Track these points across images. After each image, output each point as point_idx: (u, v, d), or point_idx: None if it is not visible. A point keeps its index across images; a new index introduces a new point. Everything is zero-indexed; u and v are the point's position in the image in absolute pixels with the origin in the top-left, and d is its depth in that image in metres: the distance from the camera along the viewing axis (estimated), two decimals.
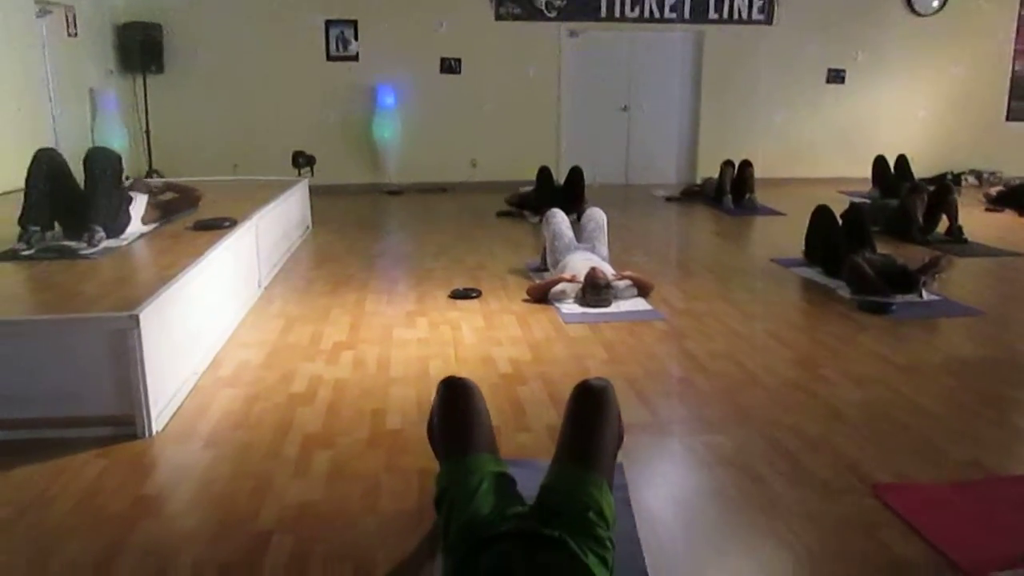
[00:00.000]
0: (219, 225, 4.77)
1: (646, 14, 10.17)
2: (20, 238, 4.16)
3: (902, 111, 10.80)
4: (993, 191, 9.03)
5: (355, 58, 9.80)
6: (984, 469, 2.85)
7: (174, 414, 3.28)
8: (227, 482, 2.75)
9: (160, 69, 9.16)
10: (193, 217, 5.03)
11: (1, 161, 6.04)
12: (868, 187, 9.21)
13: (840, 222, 5.82)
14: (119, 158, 4.61)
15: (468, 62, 9.99)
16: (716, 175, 9.04)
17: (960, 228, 6.89)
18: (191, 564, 2.28)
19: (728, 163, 9.00)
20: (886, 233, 6.75)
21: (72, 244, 4.20)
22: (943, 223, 7.00)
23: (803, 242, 6.11)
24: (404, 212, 8.72)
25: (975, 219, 7.60)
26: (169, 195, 5.29)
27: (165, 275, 3.64)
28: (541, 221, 6.03)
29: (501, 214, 8.18)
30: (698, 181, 9.93)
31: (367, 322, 4.58)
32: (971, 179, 10.56)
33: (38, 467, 2.82)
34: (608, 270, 5.08)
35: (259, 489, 2.69)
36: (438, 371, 3.76)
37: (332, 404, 3.41)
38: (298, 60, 9.66)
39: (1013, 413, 3.41)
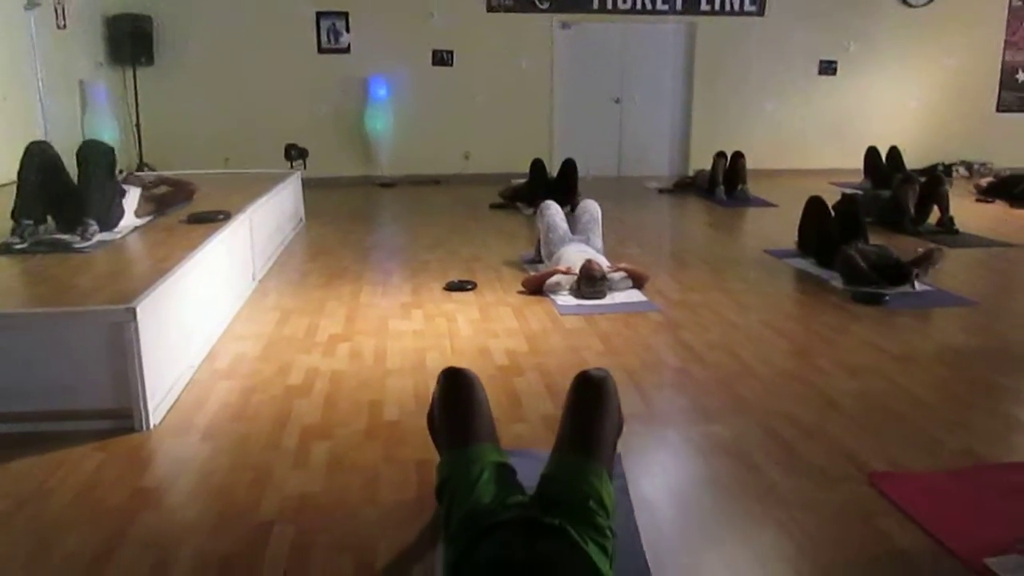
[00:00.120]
0: (213, 218, 4.76)
1: (638, 5, 10.17)
2: (13, 232, 4.13)
3: (893, 102, 10.83)
4: (983, 182, 9.08)
5: (346, 50, 9.77)
6: (977, 457, 2.88)
7: (171, 407, 3.28)
8: (226, 474, 2.76)
9: (150, 61, 9.11)
10: (187, 210, 5.01)
11: None
12: (860, 178, 9.25)
13: (833, 213, 5.85)
14: (112, 151, 4.59)
15: (460, 54, 9.97)
16: (708, 167, 9.06)
17: (951, 219, 6.93)
18: (192, 555, 2.29)
19: (720, 155, 9.02)
20: (878, 224, 6.77)
21: (66, 237, 4.18)
22: (935, 214, 7.05)
23: (796, 233, 6.14)
24: (397, 204, 8.71)
25: (966, 210, 7.64)
26: (163, 189, 5.27)
27: (160, 268, 3.63)
28: (535, 213, 6.04)
29: (494, 206, 8.18)
30: (690, 173, 9.95)
31: (362, 314, 4.58)
32: (962, 170, 10.61)
33: (36, 460, 2.82)
34: (603, 262, 5.10)
35: (258, 481, 2.70)
36: (435, 363, 3.77)
37: (329, 396, 3.42)
38: (289, 52, 9.62)
39: (1005, 402, 3.44)
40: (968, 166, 10.68)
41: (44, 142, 4.51)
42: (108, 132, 7.92)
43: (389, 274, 5.53)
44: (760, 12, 10.40)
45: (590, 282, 4.81)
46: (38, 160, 4.20)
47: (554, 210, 5.67)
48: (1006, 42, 11.02)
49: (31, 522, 2.47)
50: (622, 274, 5.02)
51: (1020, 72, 11.12)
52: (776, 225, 7.14)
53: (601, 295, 4.81)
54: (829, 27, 10.50)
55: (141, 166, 8.73)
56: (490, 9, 9.93)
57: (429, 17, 9.78)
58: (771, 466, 2.79)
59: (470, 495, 2.07)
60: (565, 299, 4.81)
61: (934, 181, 7.25)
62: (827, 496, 2.60)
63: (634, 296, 4.90)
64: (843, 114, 10.72)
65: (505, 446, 2.38)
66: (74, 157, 4.40)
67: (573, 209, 6.12)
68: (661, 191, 9.39)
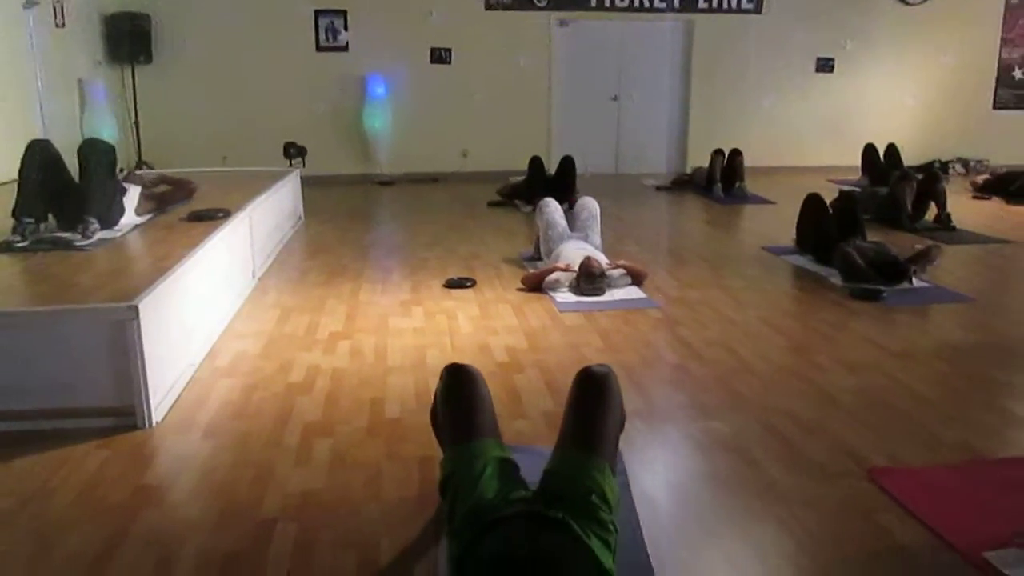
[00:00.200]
0: (213, 216, 4.76)
1: (636, 3, 10.18)
2: (14, 230, 4.13)
3: (890, 99, 10.86)
4: (979, 179, 9.11)
5: (345, 48, 9.77)
6: (974, 451, 2.91)
7: (173, 405, 3.29)
8: (228, 471, 2.77)
9: (149, 59, 9.10)
10: (187, 208, 5.02)
11: None
12: (857, 175, 9.28)
13: (831, 210, 5.87)
14: (113, 149, 4.60)
15: (458, 52, 9.97)
16: (706, 164, 9.08)
17: (948, 216, 6.95)
18: (195, 553, 2.29)
19: (718, 152, 9.04)
20: (876, 221, 6.79)
21: (67, 235, 4.18)
22: (932, 211, 7.07)
23: (794, 230, 6.16)
24: (396, 202, 8.71)
25: (962, 207, 7.66)
26: (163, 187, 5.27)
27: (161, 266, 3.64)
28: (533, 210, 6.05)
29: (493, 204, 8.19)
30: (688, 170, 9.96)
31: (363, 312, 4.59)
32: (958, 167, 10.64)
33: (39, 458, 2.82)
34: (602, 259, 5.11)
35: (261, 478, 2.71)
36: (435, 360, 3.79)
37: (331, 393, 3.43)
38: (287, 50, 9.62)
39: (1001, 397, 3.46)
40: (965, 163, 10.71)
41: (45, 140, 4.52)
42: (107, 130, 7.92)
43: (388, 272, 5.54)
44: (757, 10, 10.41)
45: (589, 279, 4.83)
46: (39, 158, 4.21)
47: (553, 207, 5.68)
48: (1002, 39, 11.05)
49: (34, 520, 2.47)
50: (621, 271, 5.04)
51: (1016, 69, 11.14)
52: (774, 222, 7.16)
53: (600, 292, 4.83)
54: (826, 25, 10.51)
55: (140, 164, 8.73)
56: (488, 7, 9.93)
57: (427, 15, 9.78)
58: (771, 462, 2.81)
59: (473, 490, 2.09)
60: (564, 296, 4.83)
61: (931, 178, 7.27)
62: (827, 492, 2.62)
63: (633, 293, 4.92)
64: (840, 111, 10.74)
65: (506, 442, 2.39)
66: (74, 156, 4.41)
67: (571, 207, 6.13)
68: (659, 188, 9.41)
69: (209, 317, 4.11)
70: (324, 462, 2.82)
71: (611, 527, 2.04)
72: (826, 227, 5.69)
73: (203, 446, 2.97)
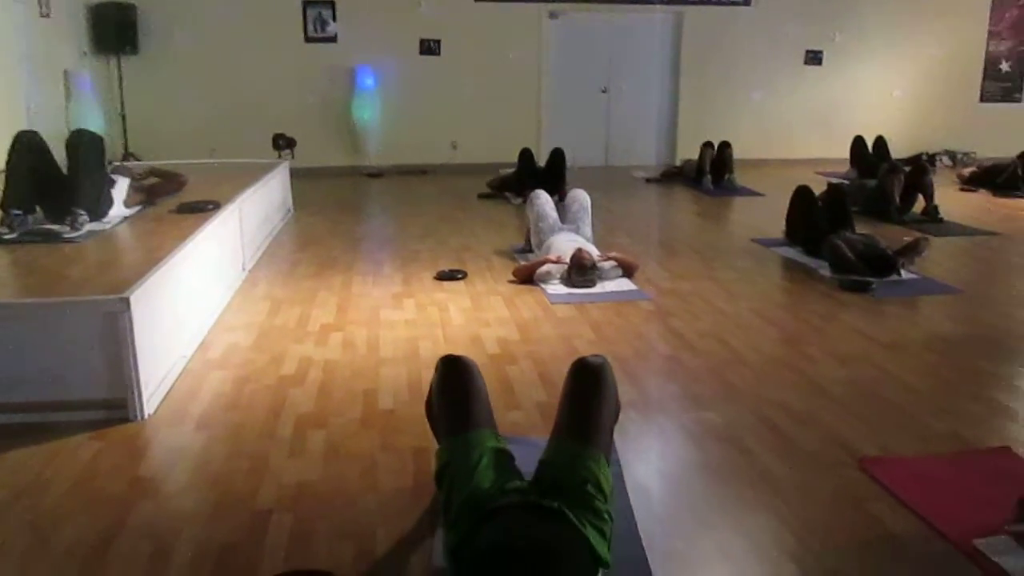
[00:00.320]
0: (203, 208, 4.74)
1: None
2: (2, 222, 4.12)
3: (879, 92, 10.90)
4: (966, 172, 9.17)
5: (333, 39, 9.71)
6: (963, 440, 2.94)
7: (165, 397, 3.28)
8: (223, 463, 2.76)
9: (135, 50, 9.02)
10: (176, 200, 4.99)
11: None
12: (845, 167, 9.32)
13: (820, 203, 5.90)
14: (102, 140, 4.58)
15: (448, 44, 9.93)
16: (695, 156, 9.10)
17: (936, 208, 7.00)
18: (191, 544, 2.29)
19: (707, 144, 9.06)
20: (864, 213, 6.83)
21: (55, 227, 4.16)
22: (920, 203, 7.11)
23: (783, 222, 6.18)
24: (385, 194, 8.69)
25: (950, 199, 7.71)
26: (152, 179, 5.24)
27: (152, 258, 3.62)
28: (524, 203, 6.04)
29: (483, 196, 8.18)
30: (678, 162, 9.98)
31: (354, 304, 4.59)
32: (945, 160, 10.71)
33: (32, 450, 2.81)
34: (593, 251, 5.12)
35: (255, 469, 2.71)
36: (428, 352, 3.79)
37: (323, 385, 3.42)
38: (276, 41, 9.55)
39: (989, 387, 3.50)
40: (952, 156, 10.78)
41: (33, 132, 4.48)
42: (93, 122, 7.83)
43: (379, 264, 5.53)
44: (747, 2, 10.42)
45: (581, 271, 4.84)
46: (27, 150, 4.18)
47: (544, 199, 5.68)
48: (989, 32, 11.12)
49: (29, 512, 2.47)
50: (612, 263, 5.05)
51: (1003, 62, 11.21)
52: (763, 214, 7.19)
53: (591, 284, 4.84)
54: (816, 17, 10.54)
55: (127, 156, 8.66)
56: None
57: (417, 6, 9.73)
58: (763, 452, 2.83)
59: (470, 480, 2.10)
60: (556, 288, 4.83)
61: (919, 171, 7.31)
62: (819, 481, 2.64)
63: (624, 285, 4.93)
64: (829, 104, 10.77)
65: (501, 433, 2.40)
66: (59, 148, 4.38)
67: (562, 199, 6.13)
68: (648, 181, 9.42)
69: (200, 309, 4.09)
70: (318, 453, 2.82)
71: (606, 516, 2.06)
72: (815, 219, 5.72)
73: (196, 438, 2.97)
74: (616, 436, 2.52)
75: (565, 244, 5.15)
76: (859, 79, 10.81)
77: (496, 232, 6.49)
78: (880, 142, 9.22)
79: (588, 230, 5.56)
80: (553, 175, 7.82)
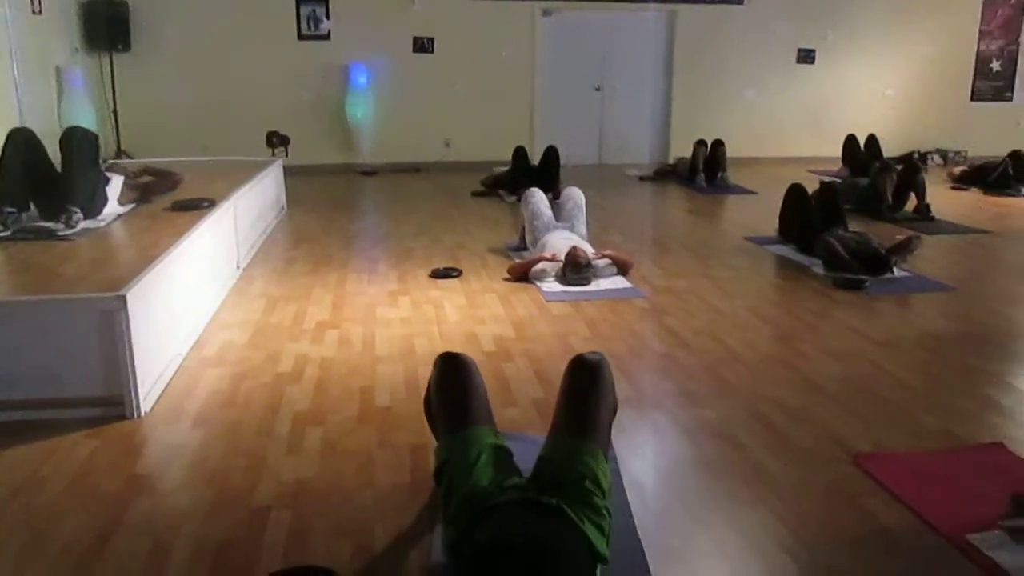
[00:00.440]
0: (198, 206, 4.74)
1: None
2: None
3: (871, 91, 10.95)
4: (957, 170, 9.22)
5: (327, 37, 9.69)
6: (955, 436, 2.97)
7: (161, 394, 3.28)
8: (220, 460, 2.77)
9: (127, 47, 8.99)
10: (170, 198, 4.99)
11: None
12: (837, 166, 9.36)
13: (813, 201, 5.93)
14: (96, 137, 4.57)
15: (441, 41, 9.92)
16: (689, 154, 9.13)
17: (928, 206, 7.04)
18: (189, 541, 2.30)
19: (700, 143, 9.09)
20: (856, 211, 6.86)
21: (49, 225, 4.15)
22: (911, 201, 7.15)
23: (776, 220, 6.21)
24: (379, 192, 8.68)
25: (941, 197, 7.76)
26: (146, 177, 5.23)
27: (148, 256, 3.62)
28: (518, 201, 6.05)
29: (476, 194, 8.18)
30: (671, 160, 10.01)
31: (349, 301, 4.59)
32: (937, 158, 10.76)
33: (28, 448, 2.81)
34: (588, 249, 5.13)
35: (253, 467, 2.71)
36: (423, 349, 3.80)
37: (320, 382, 3.43)
38: (269, 39, 9.52)
39: (982, 384, 3.52)
40: (943, 154, 10.83)
41: (27, 129, 4.48)
42: (85, 119, 7.80)
43: (374, 261, 5.53)
44: (740, 0, 10.45)
45: (575, 269, 4.85)
46: (21, 147, 4.17)
47: (538, 197, 5.69)
48: (981, 31, 11.17)
49: (25, 510, 2.47)
50: (607, 261, 5.06)
51: (994, 61, 11.27)
52: (756, 212, 7.22)
53: (586, 282, 4.85)
54: (808, 16, 10.58)
55: (119, 153, 8.64)
56: None
57: (410, 4, 9.72)
58: (758, 449, 2.85)
59: (468, 477, 2.10)
60: (551, 286, 4.85)
61: (911, 169, 7.35)
62: (813, 477, 2.66)
63: (619, 283, 4.95)
64: (821, 102, 10.81)
65: (499, 430, 2.41)
66: (52, 144, 4.36)
67: (556, 197, 6.14)
68: (642, 179, 9.43)
69: (195, 307, 4.09)
70: (316, 450, 2.82)
71: (605, 512, 2.07)
72: (809, 217, 5.74)
73: (193, 435, 2.97)
74: (612, 433, 2.53)
75: (560, 242, 5.16)
76: (851, 78, 10.86)
77: (490, 230, 6.49)
78: (872, 140, 9.26)
79: (583, 228, 5.58)
80: (547, 173, 7.84)
